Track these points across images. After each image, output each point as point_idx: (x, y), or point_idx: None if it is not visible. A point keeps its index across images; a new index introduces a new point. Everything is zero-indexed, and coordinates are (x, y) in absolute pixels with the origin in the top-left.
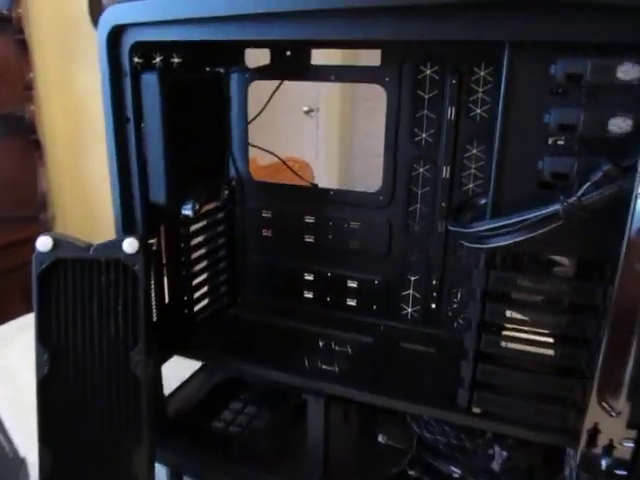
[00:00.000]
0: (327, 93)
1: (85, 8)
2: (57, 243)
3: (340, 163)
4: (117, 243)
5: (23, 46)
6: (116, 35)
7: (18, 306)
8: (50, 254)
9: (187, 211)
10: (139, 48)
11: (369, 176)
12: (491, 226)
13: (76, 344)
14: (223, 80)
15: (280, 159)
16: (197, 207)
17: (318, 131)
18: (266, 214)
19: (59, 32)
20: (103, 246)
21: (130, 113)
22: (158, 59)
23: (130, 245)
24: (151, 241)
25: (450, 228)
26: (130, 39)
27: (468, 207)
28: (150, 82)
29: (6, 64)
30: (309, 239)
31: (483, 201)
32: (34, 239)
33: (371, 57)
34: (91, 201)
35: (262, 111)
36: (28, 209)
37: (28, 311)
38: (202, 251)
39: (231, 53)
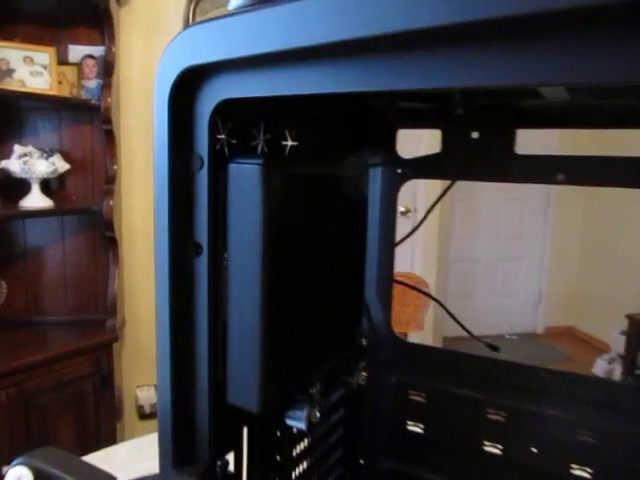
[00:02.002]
0: (426, 191)
1: None
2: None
3: (439, 268)
4: None
5: (109, 136)
6: (187, 87)
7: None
8: None
9: (297, 423)
10: (228, 115)
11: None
12: None
13: None
14: (361, 177)
15: (413, 287)
16: (317, 415)
17: (415, 234)
18: (416, 396)
19: (148, 123)
20: None
21: (204, 237)
22: (261, 138)
23: None
24: (226, 458)
25: None
26: (214, 95)
27: None
28: (248, 177)
29: (90, 155)
30: (492, 448)
31: None
32: (97, 349)
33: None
34: None
35: (415, 230)
36: (95, 312)
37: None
38: (306, 463)
39: (376, 134)
